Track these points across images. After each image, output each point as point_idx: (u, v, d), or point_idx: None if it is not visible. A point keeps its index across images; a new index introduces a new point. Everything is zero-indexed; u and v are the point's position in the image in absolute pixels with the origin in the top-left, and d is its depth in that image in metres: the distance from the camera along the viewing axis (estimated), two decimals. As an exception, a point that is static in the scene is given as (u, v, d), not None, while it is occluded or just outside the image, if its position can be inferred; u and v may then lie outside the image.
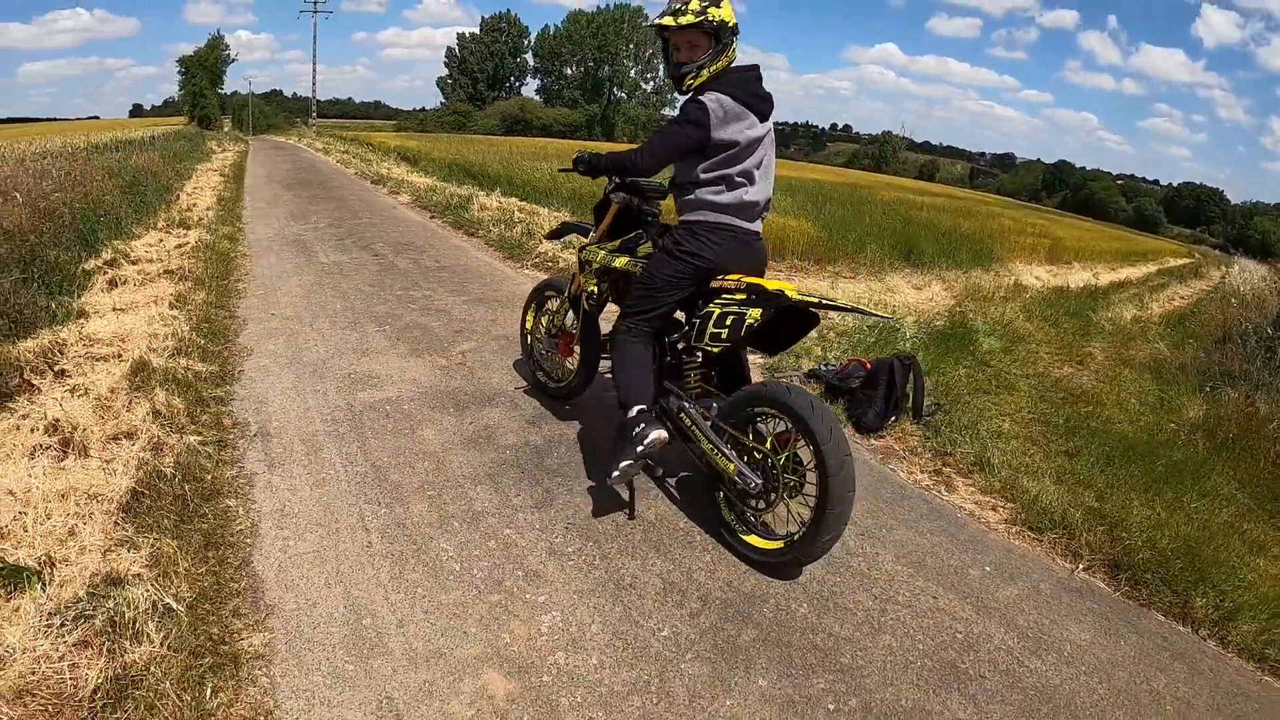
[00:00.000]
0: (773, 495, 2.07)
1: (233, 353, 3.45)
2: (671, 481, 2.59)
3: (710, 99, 2.07)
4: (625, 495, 2.36)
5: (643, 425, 2.15)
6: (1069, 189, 75.54)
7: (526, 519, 2.28)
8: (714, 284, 2.19)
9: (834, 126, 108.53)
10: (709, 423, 2.21)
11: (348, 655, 1.69)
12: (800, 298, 2.03)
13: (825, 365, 3.74)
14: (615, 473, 2.13)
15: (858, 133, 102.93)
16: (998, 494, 2.77)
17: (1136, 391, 4.51)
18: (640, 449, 2.11)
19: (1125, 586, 2.29)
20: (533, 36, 70.21)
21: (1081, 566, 2.38)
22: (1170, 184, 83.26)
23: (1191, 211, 73.94)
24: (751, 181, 2.17)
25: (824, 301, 2.10)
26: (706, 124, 2.06)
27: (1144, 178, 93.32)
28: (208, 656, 1.57)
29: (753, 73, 2.20)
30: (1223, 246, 45.14)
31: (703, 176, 2.14)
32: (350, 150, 20.44)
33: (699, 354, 2.34)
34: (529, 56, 69.60)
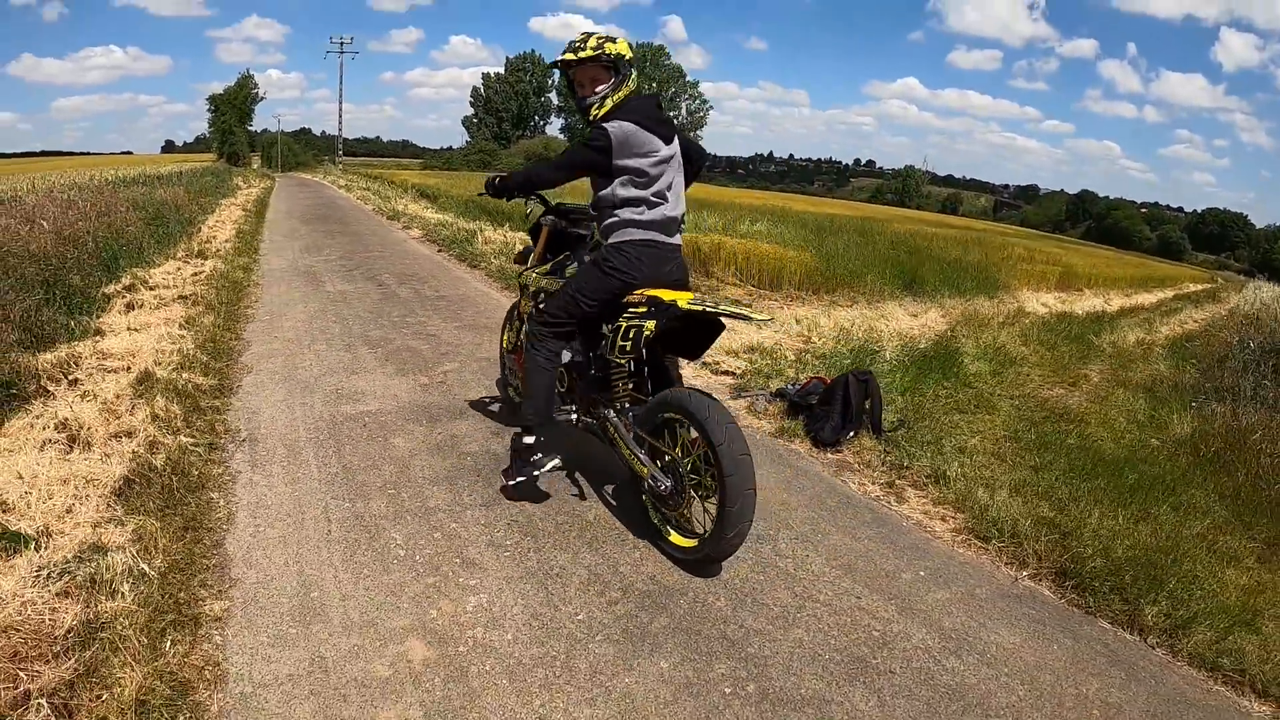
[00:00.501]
0: (682, 497, 2.21)
1: (233, 370, 3.74)
2: (611, 485, 2.74)
3: (613, 127, 2.27)
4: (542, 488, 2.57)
5: (539, 455, 2.48)
6: (1092, 219, 74.77)
7: (474, 515, 2.46)
8: (627, 299, 2.34)
9: (857, 162, 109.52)
10: (631, 432, 2.37)
11: (292, 622, 1.87)
12: (689, 307, 2.19)
13: (792, 385, 3.87)
14: (512, 485, 2.52)
15: (881, 168, 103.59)
16: (949, 505, 2.82)
17: (1125, 410, 4.50)
18: (538, 474, 2.49)
19: (1071, 594, 2.30)
20: (556, 76, 72.55)
21: (1026, 574, 2.41)
22: (1194, 210, 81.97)
23: (1216, 237, 72.16)
24: (665, 200, 2.35)
25: (707, 310, 2.21)
26: (609, 150, 2.26)
27: (1167, 205, 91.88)
28: (171, 614, 1.77)
29: (653, 100, 2.42)
30: (1247, 271, 43.75)
31: (621, 196, 2.32)
32: (371, 187, 21.39)
33: (624, 365, 2.45)
34: (553, 95, 71.05)
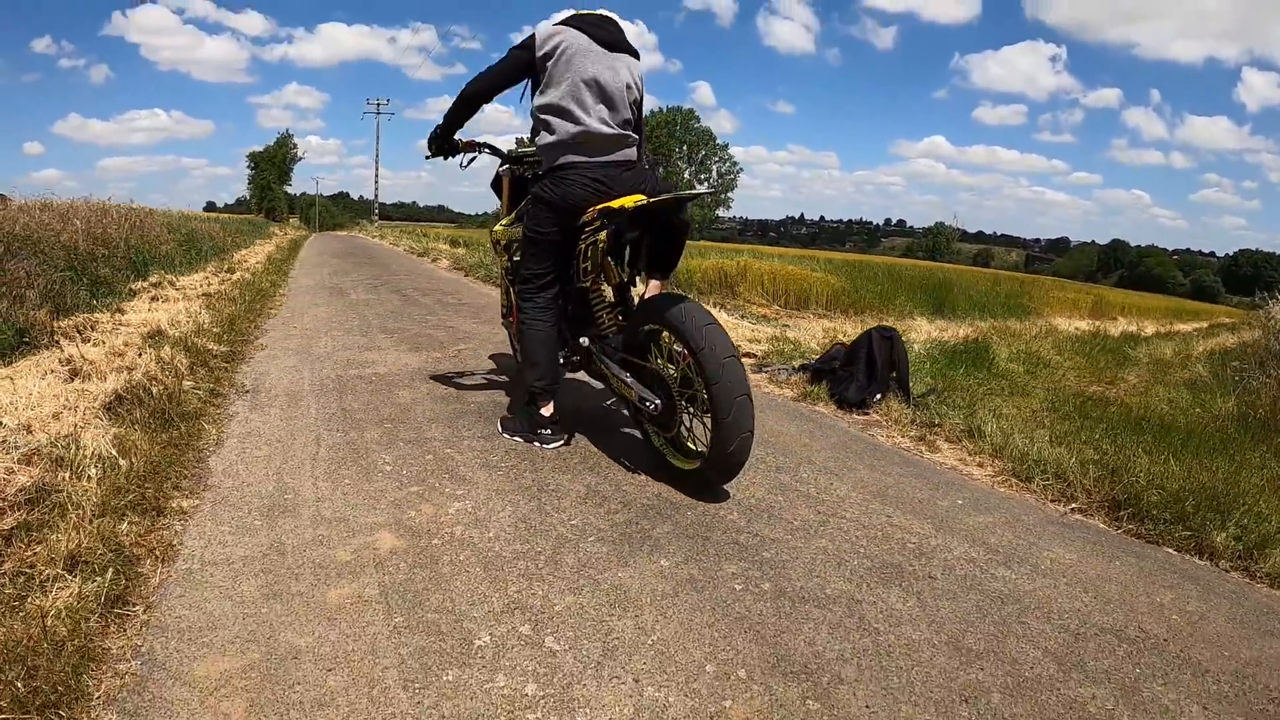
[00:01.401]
0: (674, 414, 2.02)
1: (248, 348, 3.73)
2: (620, 433, 2.56)
3: (541, 26, 2.19)
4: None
5: (550, 430, 2.30)
6: (1124, 268, 73.15)
7: (470, 445, 2.31)
8: (583, 220, 2.17)
9: (887, 222, 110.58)
10: (616, 357, 2.20)
11: (259, 517, 1.72)
12: (635, 203, 2.03)
13: (816, 359, 3.68)
14: (507, 434, 2.37)
15: (911, 226, 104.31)
16: (986, 454, 2.57)
17: (1167, 399, 4.17)
18: (538, 444, 2.29)
19: (1128, 524, 2.03)
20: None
21: (1074, 507, 2.15)
22: (1227, 254, 79.69)
23: (1249, 279, 70.05)
24: (589, 112, 2.13)
25: (651, 201, 2.04)
26: (532, 46, 2.16)
27: (1199, 250, 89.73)
28: (134, 498, 1.65)
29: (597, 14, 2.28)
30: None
31: (540, 118, 2.17)
32: (403, 237, 22.26)
33: (602, 295, 2.27)
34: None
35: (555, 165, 2.17)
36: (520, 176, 2.69)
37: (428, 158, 2.51)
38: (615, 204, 2.07)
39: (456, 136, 2.45)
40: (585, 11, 2.27)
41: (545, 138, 2.17)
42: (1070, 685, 1.26)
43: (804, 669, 1.25)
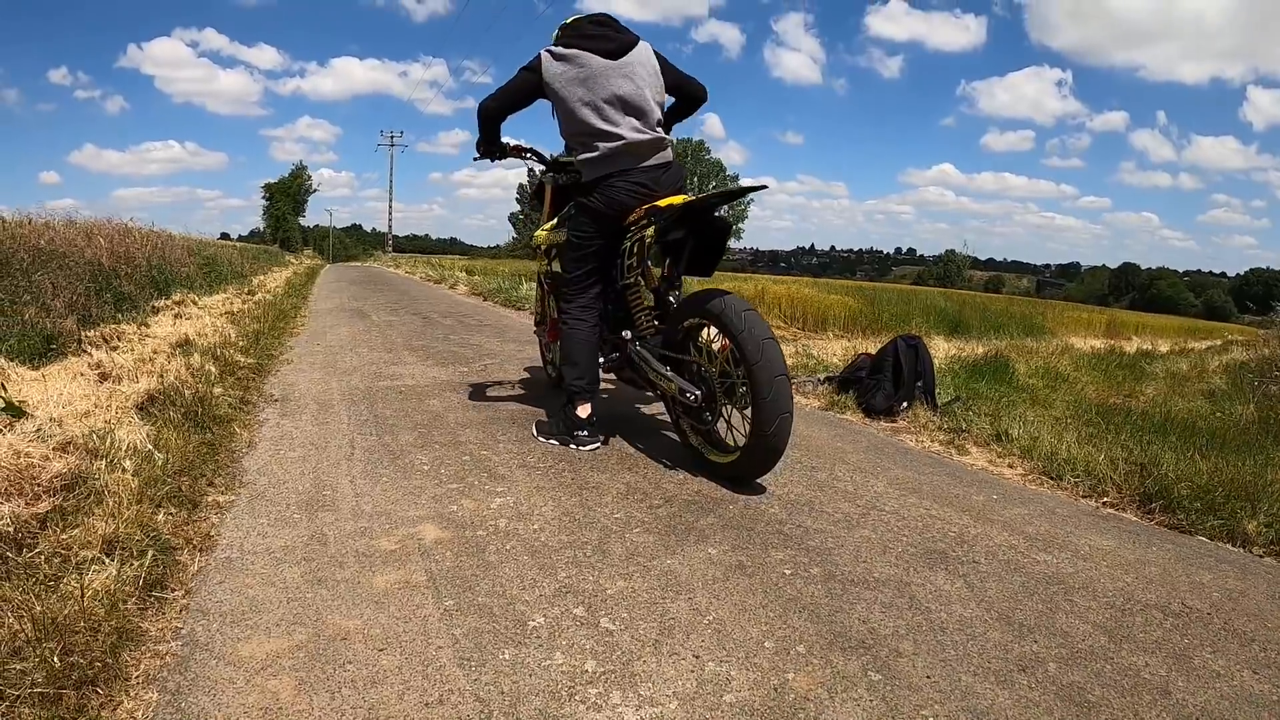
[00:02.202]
0: (715, 403, 2.04)
1: (273, 363, 3.77)
2: (656, 436, 2.56)
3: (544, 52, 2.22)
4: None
5: (586, 432, 2.30)
6: (1135, 290, 72.88)
7: (506, 447, 2.31)
8: (629, 220, 2.22)
9: (898, 251, 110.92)
10: (656, 354, 2.21)
11: (298, 510, 1.72)
12: (684, 200, 2.07)
13: (843, 369, 3.67)
14: (543, 437, 2.37)
15: (922, 255, 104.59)
16: (1015, 456, 2.55)
17: (1187, 409, 4.14)
18: (574, 445, 2.29)
19: (1160, 515, 2.02)
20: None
21: (1105, 501, 2.13)
22: (1238, 274, 79.16)
23: (1261, 297, 69.38)
24: (620, 127, 2.17)
25: (701, 196, 2.08)
26: (538, 69, 2.20)
27: (1210, 271, 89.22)
28: (168, 489, 1.65)
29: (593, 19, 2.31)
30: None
31: (574, 142, 2.23)
32: (417, 265, 22.58)
33: (644, 296, 2.30)
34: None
35: (599, 177, 2.21)
36: (563, 185, 2.75)
37: (475, 159, 2.57)
38: (663, 203, 2.12)
39: (503, 140, 2.50)
40: (581, 20, 2.29)
41: (584, 155, 2.22)
42: (1123, 654, 1.26)
43: (861, 644, 1.24)
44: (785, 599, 1.38)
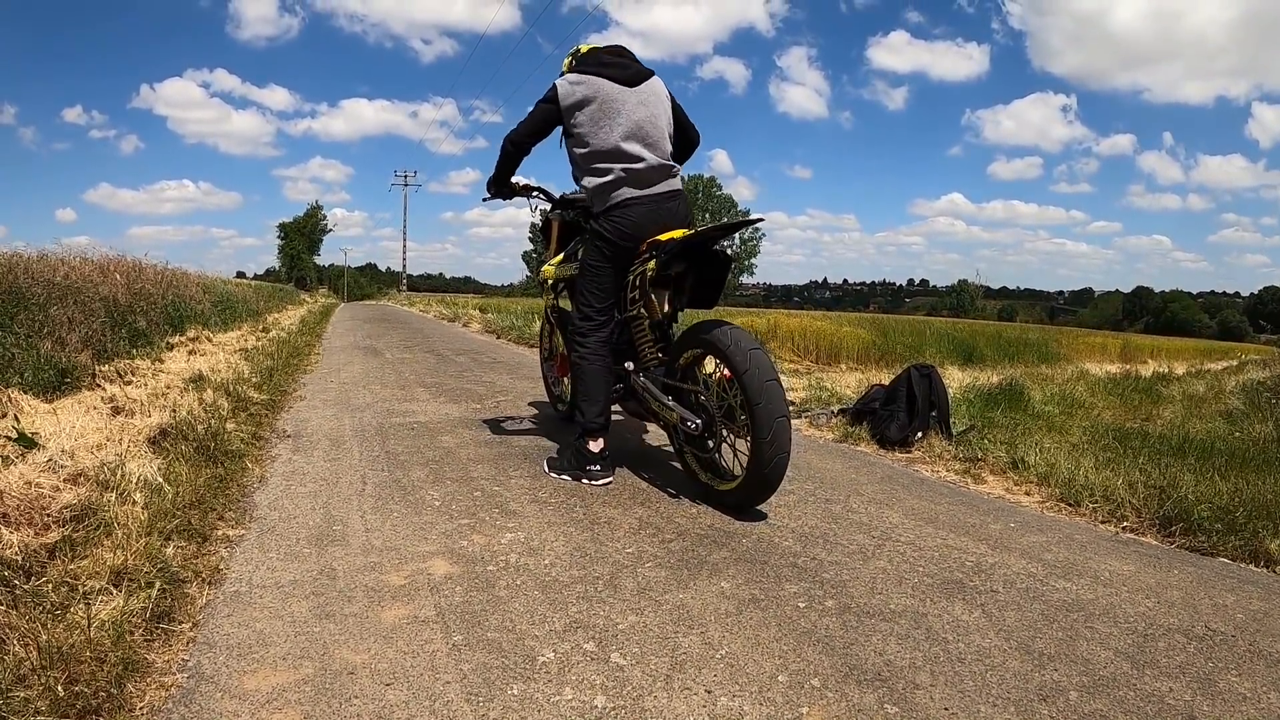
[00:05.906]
0: (713, 431, 2.05)
1: (286, 399, 3.81)
2: (662, 457, 2.55)
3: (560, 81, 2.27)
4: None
5: (599, 467, 2.28)
6: (1150, 314, 72.14)
7: (518, 483, 2.30)
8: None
9: (910, 282, 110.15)
10: (658, 384, 2.23)
11: (308, 544, 1.72)
12: (683, 234, 2.11)
13: (856, 401, 3.65)
14: (554, 473, 2.34)
15: (934, 285, 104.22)
16: (1032, 484, 2.52)
17: (1205, 430, 4.06)
18: (586, 480, 2.27)
19: (1180, 538, 1.98)
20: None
21: (1125, 526, 2.09)
22: (1251, 293, 78.10)
23: (1276, 316, 67.99)
24: (632, 153, 2.21)
25: (699, 231, 2.11)
26: (555, 99, 2.24)
27: (1223, 292, 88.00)
28: (177, 522, 1.66)
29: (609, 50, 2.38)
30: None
31: (586, 167, 2.26)
32: (432, 302, 22.87)
33: (647, 328, 2.31)
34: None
35: (610, 205, 2.24)
36: (570, 222, 2.81)
37: (485, 199, 2.62)
38: (664, 237, 2.16)
39: (514, 179, 2.56)
40: (598, 49, 2.36)
41: (593, 181, 2.25)
42: (1146, 680, 1.22)
43: (877, 676, 1.20)
44: (799, 632, 1.35)
